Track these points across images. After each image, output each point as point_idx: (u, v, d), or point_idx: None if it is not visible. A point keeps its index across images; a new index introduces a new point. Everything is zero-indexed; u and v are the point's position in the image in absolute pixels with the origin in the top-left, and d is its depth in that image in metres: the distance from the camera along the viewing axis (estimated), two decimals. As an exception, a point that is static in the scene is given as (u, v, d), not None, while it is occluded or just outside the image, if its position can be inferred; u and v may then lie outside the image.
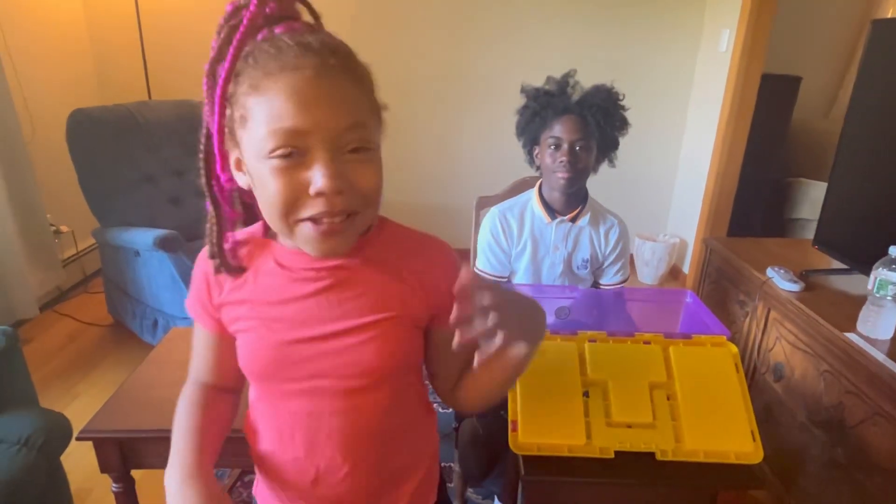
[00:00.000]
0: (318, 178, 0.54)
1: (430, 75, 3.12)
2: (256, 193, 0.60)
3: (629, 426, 0.93)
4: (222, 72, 0.57)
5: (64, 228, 2.81)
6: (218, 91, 0.57)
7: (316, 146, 0.54)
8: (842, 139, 1.67)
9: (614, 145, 1.37)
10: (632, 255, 1.49)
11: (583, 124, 1.32)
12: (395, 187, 3.48)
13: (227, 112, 0.58)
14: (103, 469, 1.01)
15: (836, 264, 1.70)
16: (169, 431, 0.99)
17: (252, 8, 0.56)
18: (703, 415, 0.94)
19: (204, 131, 0.62)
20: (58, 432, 1.34)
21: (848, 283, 1.63)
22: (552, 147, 1.34)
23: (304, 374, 0.65)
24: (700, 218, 3.07)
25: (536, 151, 1.40)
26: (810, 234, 2.89)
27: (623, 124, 1.36)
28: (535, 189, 1.45)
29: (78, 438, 0.97)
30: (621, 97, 1.35)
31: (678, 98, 3.22)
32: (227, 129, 0.59)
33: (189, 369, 0.77)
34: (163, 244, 2.09)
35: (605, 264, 1.45)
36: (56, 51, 2.86)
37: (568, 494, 0.97)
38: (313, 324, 0.64)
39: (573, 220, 1.41)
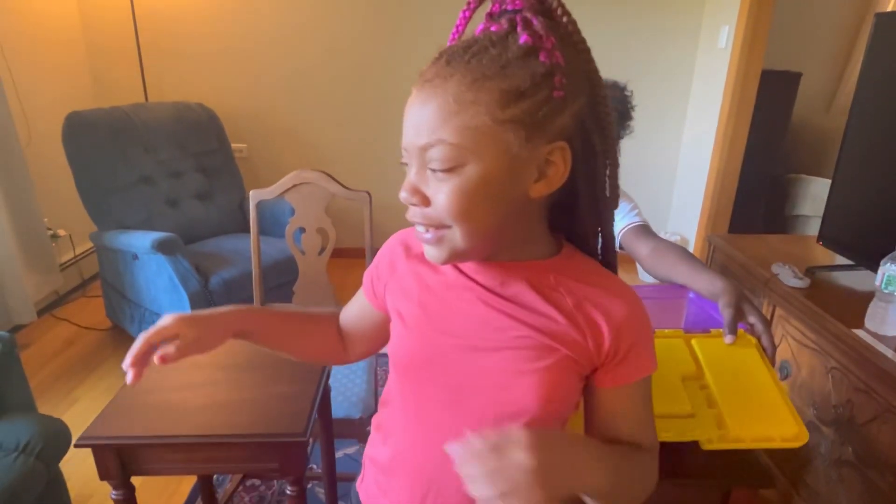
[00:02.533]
0: (404, 185, 0.56)
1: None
2: None
3: (669, 417, 0.91)
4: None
5: (61, 232, 2.79)
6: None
7: (409, 160, 0.56)
8: (846, 134, 1.65)
9: (616, 137, 1.36)
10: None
11: None
12: (395, 189, 3.47)
13: None
14: (102, 476, 0.99)
15: (841, 260, 1.69)
16: (169, 437, 0.98)
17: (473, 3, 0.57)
18: (740, 402, 0.91)
19: None
20: (56, 438, 1.33)
21: (854, 280, 1.61)
22: None
23: (452, 381, 0.62)
24: (701, 215, 3.06)
25: None
26: (811, 230, 2.89)
27: (627, 116, 1.34)
28: None
29: (76, 445, 0.95)
30: (629, 93, 1.33)
31: (678, 95, 3.21)
32: None
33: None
34: (161, 247, 2.07)
35: (616, 216, 1.39)
36: (52, 54, 2.84)
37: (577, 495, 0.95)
38: (468, 335, 0.61)
39: None
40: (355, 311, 0.77)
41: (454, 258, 0.58)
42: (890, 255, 1.30)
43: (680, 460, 0.94)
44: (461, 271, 0.63)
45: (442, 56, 0.54)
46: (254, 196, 1.61)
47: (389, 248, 0.71)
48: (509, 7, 0.54)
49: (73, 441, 1.37)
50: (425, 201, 0.55)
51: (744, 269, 1.82)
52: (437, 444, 0.58)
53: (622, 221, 1.37)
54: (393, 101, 3.17)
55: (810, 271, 1.64)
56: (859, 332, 1.31)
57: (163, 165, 2.49)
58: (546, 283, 0.60)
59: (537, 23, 0.53)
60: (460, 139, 0.52)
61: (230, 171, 2.78)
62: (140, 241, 2.12)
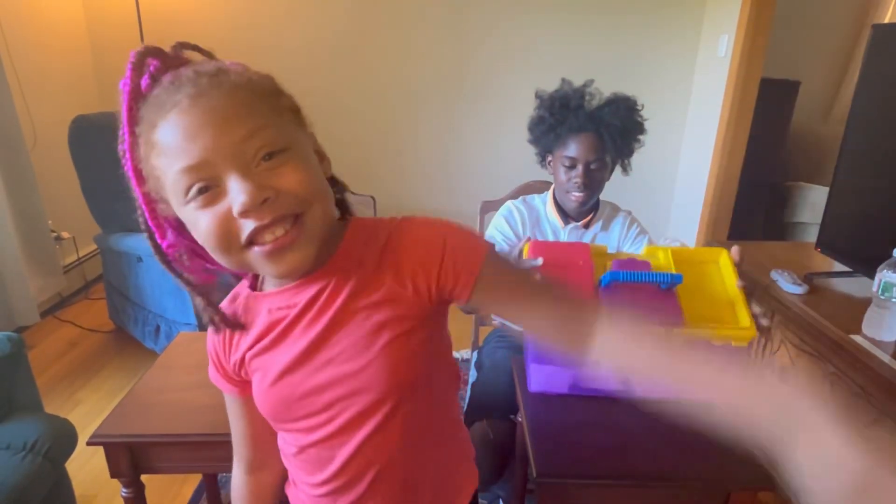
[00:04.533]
0: (236, 197, 0.51)
1: (433, 79, 3.13)
2: (199, 242, 0.56)
3: None
4: (125, 147, 0.55)
5: (65, 234, 2.80)
6: (128, 166, 0.56)
7: (223, 170, 0.51)
8: (844, 142, 1.68)
9: (629, 154, 1.37)
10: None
11: (599, 142, 1.29)
12: (398, 192, 3.50)
13: (148, 181, 0.56)
14: (113, 474, 1.01)
15: (839, 267, 1.71)
16: (179, 436, 0.99)
17: (127, 79, 0.54)
18: (700, 302, 0.99)
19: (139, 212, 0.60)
20: (63, 438, 1.34)
21: (852, 286, 1.63)
22: (566, 165, 1.33)
23: (314, 408, 0.63)
24: (700, 222, 3.08)
25: (550, 159, 1.40)
26: (810, 237, 2.92)
27: (640, 133, 1.36)
28: (550, 195, 1.44)
29: (88, 443, 0.97)
30: (640, 107, 1.34)
31: (678, 103, 3.24)
32: (156, 198, 0.57)
33: (234, 449, 0.77)
34: (166, 249, 2.08)
35: (632, 251, 1.42)
36: (57, 58, 2.87)
37: (581, 496, 0.97)
38: (309, 355, 0.61)
39: (586, 226, 1.41)
40: (242, 424, 0.74)
41: (309, 254, 0.56)
42: (887, 262, 1.32)
43: (680, 463, 0.96)
44: (270, 310, 0.63)
45: (180, 84, 0.52)
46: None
47: (211, 342, 0.69)
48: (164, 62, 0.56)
49: (80, 441, 1.39)
50: (274, 190, 0.52)
51: (743, 275, 1.84)
52: (331, 460, 0.65)
53: (636, 252, 1.38)
54: (396, 107, 3.20)
55: (809, 278, 1.66)
56: (857, 338, 1.33)
57: (167, 169, 2.51)
58: (354, 268, 0.60)
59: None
60: (274, 122, 0.54)
61: (234, 175, 2.80)
62: (144, 243, 2.11)
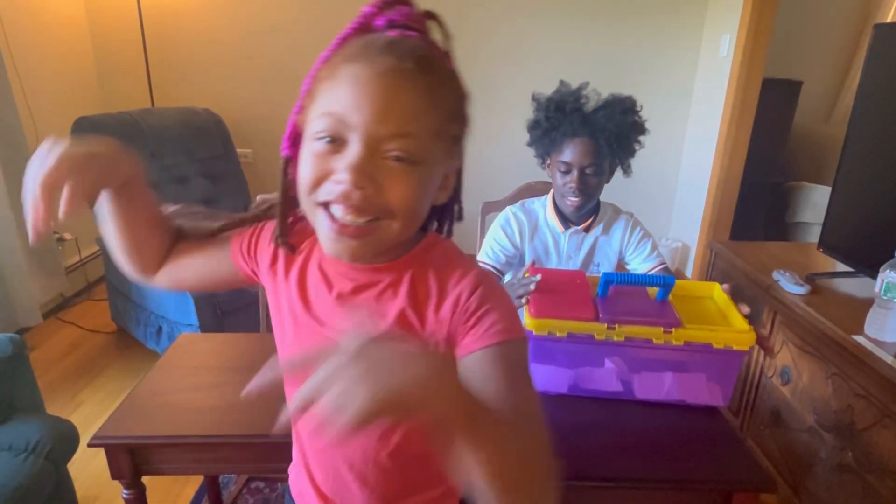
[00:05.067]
0: (342, 166, 0.52)
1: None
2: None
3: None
4: (324, 53, 0.57)
5: (67, 236, 2.81)
6: (316, 65, 0.58)
7: (354, 140, 0.53)
8: (846, 142, 1.68)
9: (629, 156, 1.36)
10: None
11: (594, 147, 1.28)
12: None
13: (309, 91, 0.58)
14: (114, 476, 1.01)
15: (842, 267, 1.70)
16: (180, 437, 0.99)
17: (371, 9, 0.56)
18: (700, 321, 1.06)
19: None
20: (65, 439, 1.34)
21: (854, 286, 1.63)
22: (562, 171, 1.32)
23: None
24: (702, 222, 3.07)
25: (548, 162, 1.39)
26: (812, 237, 2.91)
27: (640, 133, 1.34)
28: (549, 197, 1.43)
29: (89, 445, 0.97)
30: (638, 108, 1.32)
31: (679, 103, 3.24)
32: (305, 108, 0.59)
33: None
34: (167, 251, 2.08)
35: (635, 258, 1.41)
36: (60, 59, 2.87)
37: (581, 498, 0.96)
38: (332, 328, 0.64)
39: (587, 229, 1.40)
40: (198, 247, 0.75)
41: (371, 253, 0.58)
42: (889, 263, 1.31)
43: (681, 465, 0.96)
44: (321, 268, 0.66)
45: (390, 48, 0.53)
46: (260, 201, 1.63)
47: (262, 229, 0.71)
48: (402, 20, 0.57)
49: (81, 442, 1.40)
50: (377, 188, 0.53)
51: (745, 275, 1.84)
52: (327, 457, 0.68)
53: (646, 264, 1.38)
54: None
55: (811, 278, 1.66)
56: (859, 339, 1.33)
57: (169, 170, 2.51)
58: (409, 278, 0.63)
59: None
60: (426, 137, 0.54)
61: (235, 177, 2.80)
62: (146, 244, 2.14)
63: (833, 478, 1.39)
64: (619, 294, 1.11)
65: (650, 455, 0.97)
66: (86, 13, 3.04)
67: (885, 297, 1.31)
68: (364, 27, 0.57)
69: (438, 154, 0.57)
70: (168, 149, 2.52)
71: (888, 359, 1.24)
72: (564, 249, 1.41)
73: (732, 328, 1.04)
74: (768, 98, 2.81)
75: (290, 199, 0.64)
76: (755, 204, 3.12)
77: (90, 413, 2.03)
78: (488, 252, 1.42)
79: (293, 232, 0.68)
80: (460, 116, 0.59)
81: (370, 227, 0.55)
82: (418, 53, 0.54)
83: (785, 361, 1.61)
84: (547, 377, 1.08)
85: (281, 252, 0.69)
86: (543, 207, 1.43)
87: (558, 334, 1.02)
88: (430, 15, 0.59)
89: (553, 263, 1.42)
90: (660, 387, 1.07)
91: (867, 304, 1.38)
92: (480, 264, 1.37)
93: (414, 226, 0.59)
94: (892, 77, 1.55)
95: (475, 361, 0.59)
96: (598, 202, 1.42)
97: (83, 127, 2.28)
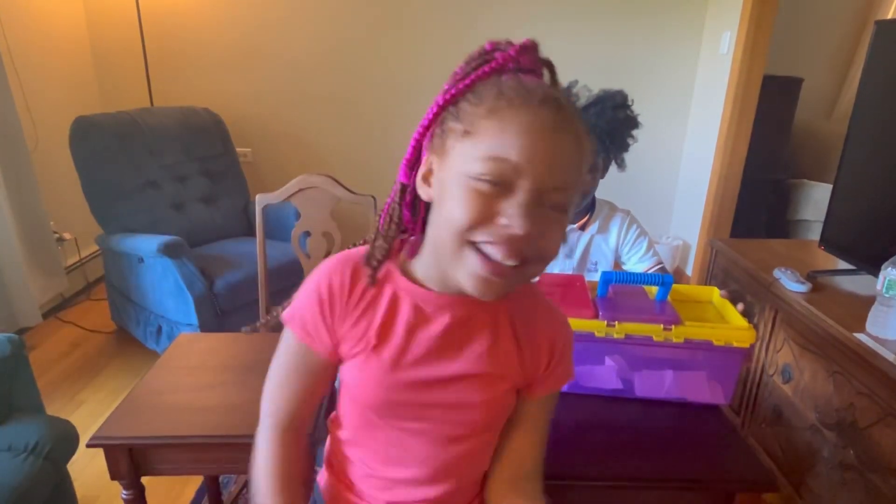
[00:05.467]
0: (514, 213, 0.54)
1: (436, 80, 3.12)
2: (438, 207, 0.60)
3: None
4: (461, 85, 0.59)
5: (67, 235, 2.80)
6: (447, 96, 0.60)
7: (523, 188, 0.55)
8: (847, 139, 1.67)
9: (624, 150, 1.35)
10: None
11: None
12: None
13: (446, 121, 0.59)
14: (113, 476, 1.00)
15: (843, 265, 1.70)
16: (180, 437, 0.99)
17: (511, 52, 0.59)
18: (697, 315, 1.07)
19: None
20: (64, 439, 1.34)
21: (855, 284, 1.63)
22: None
23: (411, 414, 0.68)
24: (703, 220, 3.07)
25: None
26: (813, 235, 2.90)
27: (633, 128, 1.33)
28: None
29: (88, 445, 0.96)
30: (630, 103, 1.31)
31: (680, 100, 3.23)
32: (436, 138, 0.60)
33: (266, 405, 0.74)
34: (167, 250, 2.08)
35: (632, 257, 1.42)
36: (59, 59, 2.87)
37: (582, 497, 0.96)
38: (429, 363, 0.66)
39: (582, 227, 1.40)
40: (302, 384, 0.72)
41: (504, 294, 0.60)
42: (891, 260, 1.31)
43: (684, 464, 0.96)
44: (409, 294, 0.66)
45: (549, 100, 0.56)
46: (260, 200, 1.63)
47: (327, 285, 0.66)
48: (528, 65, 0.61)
49: (81, 442, 1.39)
50: (538, 235, 0.56)
51: (746, 273, 1.83)
52: (404, 461, 0.70)
53: (642, 264, 1.38)
54: (396, 107, 3.19)
55: (812, 276, 1.65)
56: (861, 336, 1.32)
57: (168, 170, 2.51)
58: (503, 313, 0.68)
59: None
60: (575, 188, 0.58)
61: (235, 176, 2.80)
62: (146, 244, 2.14)
63: (835, 476, 1.38)
64: (619, 294, 1.11)
65: (652, 454, 0.97)
66: (84, 13, 3.03)
67: (886, 295, 1.31)
68: (501, 69, 0.59)
69: (576, 200, 0.61)
70: (167, 148, 2.52)
71: (890, 357, 1.23)
72: (561, 248, 1.40)
73: (732, 325, 1.04)
74: (769, 95, 2.80)
75: (399, 225, 0.66)
76: (756, 201, 3.11)
77: (90, 413, 2.03)
78: None
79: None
80: (587, 161, 0.62)
81: (519, 270, 0.58)
82: (567, 105, 0.58)
83: (786, 359, 1.60)
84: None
85: (353, 291, 0.67)
86: None
87: None
88: (548, 64, 0.63)
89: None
90: (660, 385, 1.07)
91: (869, 301, 1.38)
92: None
93: (543, 270, 0.63)
94: (893, 73, 1.54)
95: (537, 404, 0.74)
96: (594, 200, 1.41)
97: (82, 126, 2.27)
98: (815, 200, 3.00)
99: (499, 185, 0.55)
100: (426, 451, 0.70)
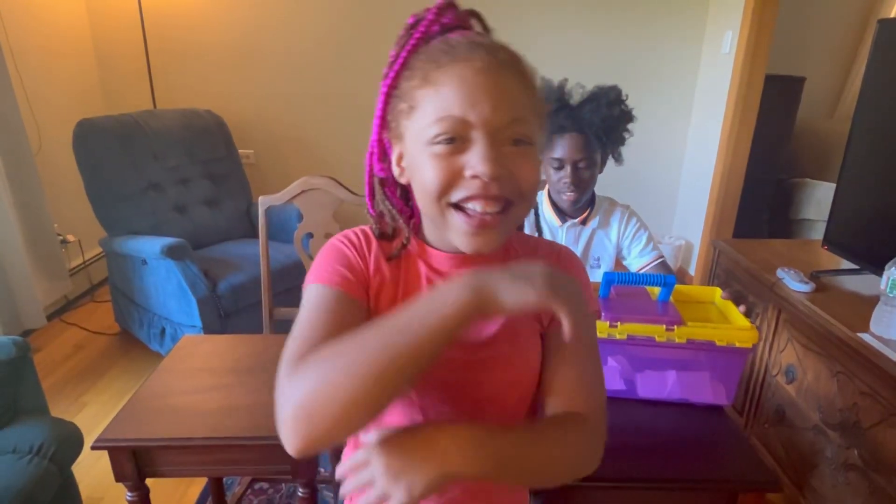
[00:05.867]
0: (476, 161, 0.55)
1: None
2: (414, 183, 0.62)
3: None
4: (395, 67, 0.60)
5: (71, 238, 2.81)
6: (387, 82, 0.61)
7: (478, 135, 0.56)
8: (850, 138, 1.67)
9: (620, 144, 1.37)
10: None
11: (584, 141, 1.30)
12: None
13: (394, 105, 0.61)
14: (118, 478, 1.01)
15: (846, 264, 1.69)
16: (183, 439, 0.99)
17: (430, 17, 0.60)
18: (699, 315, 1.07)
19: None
20: (69, 441, 1.34)
21: (859, 284, 1.62)
22: (554, 167, 1.33)
23: (452, 379, 0.65)
24: (705, 220, 3.06)
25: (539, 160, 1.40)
26: (816, 234, 2.89)
27: (628, 122, 1.35)
28: (545, 194, 1.45)
29: (93, 447, 0.97)
30: (625, 98, 1.33)
31: (681, 100, 3.23)
32: (391, 123, 0.62)
33: (285, 352, 0.57)
34: (170, 252, 2.09)
35: (632, 250, 1.43)
36: (62, 62, 2.88)
37: (586, 498, 0.96)
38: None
39: (583, 222, 1.41)
40: (332, 327, 0.58)
41: (503, 241, 0.61)
42: (895, 259, 1.30)
43: (687, 465, 0.96)
44: (432, 268, 0.66)
45: (477, 46, 0.57)
46: (263, 202, 1.63)
47: (354, 245, 0.66)
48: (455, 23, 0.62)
49: (86, 444, 1.40)
50: (508, 174, 0.57)
51: (749, 273, 1.83)
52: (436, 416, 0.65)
53: (643, 258, 1.39)
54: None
55: (815, 275, 1.65)
56: (864, 336, 1.32)
57: (171, 172, 2.51)
58: (509, 260, 0.66)
59: None
60: (532, 117, 0.59)
61: (237, 178, 2.81)
62: (149, 246, 2.14)
63: (839, 477, 1.38)
64: (621, 294, 1.11)
65: (654, 455, 0.97)
66: (87, 16, 3.04)
67: (890, 295, 1.31)
68: (426, 36, 0.60)
69: (538, 131, 0.61)
70: (170, 150, 2.53)
71: (894, 357, 1.23)
72: (563, 243, 1.41)
73: (735, 325, 1.04)
74: (771, 95, 2.80)
75: (407, 211, 0.68)
76: (758, 201, 3.10)
77: (94, 415, 2.03)
78: None
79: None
80: (540, 91, 0.63)
81: (504, 215, 0.58)
82: (500, 45, 0.59)
83: (789, 359, 1.60)
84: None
85: (369, 260, 0.66)
86: (540, 203, 1.45)
87: None
88: (474, 13, 0.64)
89: None
90: (663, 385, 1.07)
91: (872, 301, 1.37)
92: None
93: (532, 206, 0.63)
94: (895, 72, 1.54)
95: (559, 335, 0.64)
96: (594, 195, 1.42)
97: (85, 129, 2.28)
98: (818, 200, 2.99)
99: (455, 142, 0.56)
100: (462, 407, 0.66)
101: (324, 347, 0.52)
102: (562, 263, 0.71)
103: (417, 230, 0.69)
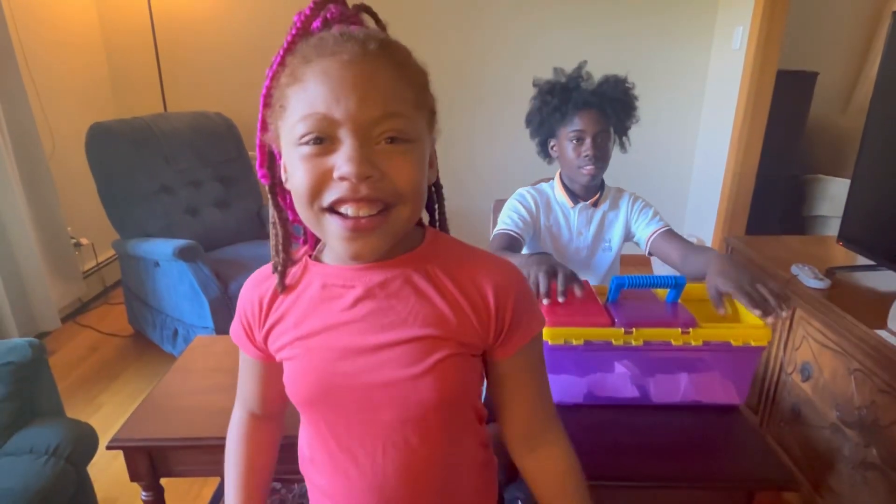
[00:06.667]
0: (341, 161, 0.52)
1: (441, 78, 3.09)
2: (289, 186, 0.59)
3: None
4: (273, 65, 0.58)
5: (84, 241, 2.84)
6: (266, 82, 0.58)
7: (345, 133, 0.52)
8: (865, 132, 1.64)
9: (625, 131, 1.40)
10: (650, 258, 1.51)
11: (603, 116, 1.34)
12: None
13: (269, 106, 0.58)
14: (133, 478, 1.01)
15: (862, 260, 1.67)
16: (197, 439, 1.00)
17: (307, 11, 0.57)
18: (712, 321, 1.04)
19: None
20: (85, 442, 1.35)
21: (875, 280, 1.60)
22: (574, 140, 1.35)
23: (358, 399, 0.62)
24: (717, 217, 3.04)
25: (553, 144, 1.42)
26: (830, 231, 2.86)
27: (635, 110, 1.39)
28: (557, 178, 1.47)
29: (108, 447, 0.98)
30: (632, 85, 1.38)
31: (692, 96, 3.20)
32: (270, 125, 0.59)
33: (237, 395, 0.78)
34: (182, 254, 2.10)
35: (640, 222, 1.44)
36: (73, 66, 2.91)
37: (601, 497, 0.95)
38: (355, 343, 0.61)
39: (595, 204, 1.43)
40: (253, 383, 0.74)
41: (387, 245, 0.57)
42: (912, 255, 1.28)
43: (703, 463, 0.95)
44: (324, 285, 0.62)
45: (347, 38, 0.53)
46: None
47: (248, 297, 0.68)
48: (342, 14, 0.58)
49: (101, 445, 1.41)
50: (381, 174, 0.53)
51: (762, 270, 1.81)
52: (365, 465, 0.63)
53: (648, 228, 1.40)
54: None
55: (831, 272, 1.63)
56: (882, 333, 1.30)
57: (182, 174, 2.53)
58: (423, 273, 0.61)
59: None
60: (411, 113, 0.55)
61: (248, 180, 2.82)
62: (162, 248, 2.16)
63: (857, 475, 1.36)
64: (629, 297, 1.09)
65: (670, 453, 0.96)
66: (98, 20, 3.07)
67: (908, 291, 1.29)
68: (303, 32, 0.57)
69: (424, 128, 0.57)
70: (181, 153, 2.54)
71: (913, 353, 1.21)
72: (575, 224, 1.45)
73: (747, 324, 1.03)
74: (783, 90, 2.77)
75: (289, 225, 0.65)
76: (771, 198, 3.07)
77: (109, 415, 2.05)
78: (506, 221, 1.42)
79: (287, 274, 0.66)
80: (427, 85, 0.59)
81: (383, 217, 0.54)
82: (375, 36, 0.54)
83: (805, 357, 1.58)
84: (562, 387, 1.06)
85: (264, 303, 0.66)
86: (552, 188, 1.48)
87: (574, 342, 0.99)
88: (364, 7, 0.60)
89: (565, 239, 1.45)
90: (676, 389, 1.05)
91: (890, 297, 1.35)
92: (500, 232, 1.38)
93: (420, 207, 0.59)
94: (911, 65, 1.51)
95: (512, 364, 0.65)
96: (602, 181, 1.44)
97: (97, 133, 2.30)
98: (832, 196, 2.95)
99: (323, 142, 0.52)
100: (379, 451, 0.62)
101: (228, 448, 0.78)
102: (492, 282, 0.61)
103: (316, 250, 0.67)
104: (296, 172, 0.55)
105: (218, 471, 1.29)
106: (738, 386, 1.05)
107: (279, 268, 0.64)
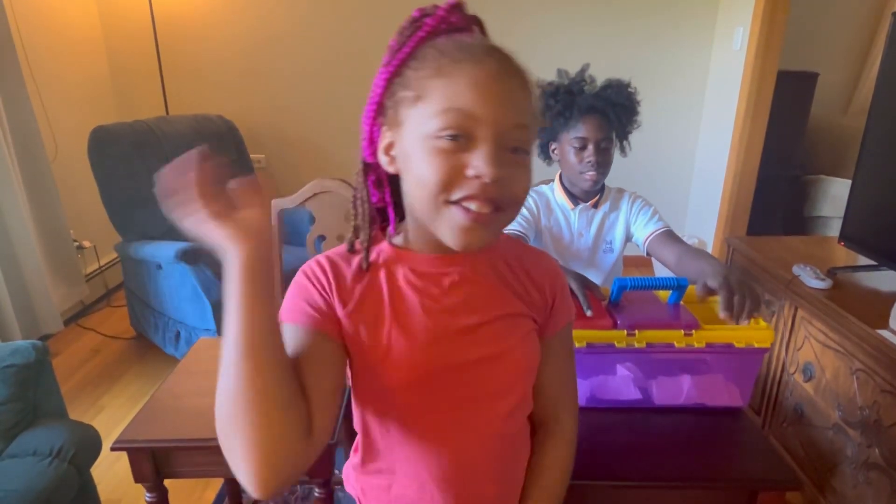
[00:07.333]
0: (480, 162, 0.56)
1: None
2: (406, 176, 0.61)
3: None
4: (400, 55, 0.60)
5: (86, 243, 2.85)
6: (389, 69, 0.61)
7: (483, 135, 0.56)
8: (866, 133, 1.64)
9: (626, 136, 1.40)
10: (651, 259, 1.51)
11: (605, 122, 1.34)
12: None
13: (394, 92, 0.60)
14: (137, 479, 1.02)
15: (864, 261, 1.67)
16: (201, 440, 1.00)
17: (441, 13, 0.60)
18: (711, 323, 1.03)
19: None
20: (88, 444, 1.36)
21: (877, 280, 1.60)
22: (577, 146, 1.35)
23: (451, 376, 0.65)
24: (719, 217, 3.04)
25: (554, 147, 1.42)
26: (831, 231, 2.86)
27: (637, 114, 1.39)
28: (556, 180, 1.47)
29: (112, 448, 0.98)
30: (634, 90, 1.38)
31: (693, 97, 3.20)
32: (389, 110, 0.61)
33: None
34: (185, 257, 2.11)
35: (638, 221, 1.44)
36: (75, 69, 2.92)
37: (604, 497, 0.95)
38: (456, 324, 0.65)
39: (595, 206, 1.44)
40: (320, 372, 0.60)
41: (491, 240, 0.61)
42: (914, 255, 1.29)
43: (706, 463, 0.95)
44: (416, 272, 0.66)
45: (491, 50, 0.59)
46: (275, 205, 1.64)
47: (329, 272, 0.65)
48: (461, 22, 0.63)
49: (104, 447, 1.41)
50: (507, 179, 0.57)
51: (764, 271, 1.81)
52: (454, 447, 0.67)
53: (647, 228, 1.40)
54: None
55: (832, 272, 1.63)
56: (884, 333, 1.30)
57: (184, 177, 2.53)
58: (500, 261, 0.71)
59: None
60: (531, 127, 0.61)
61: (249, 181, 2.82)
62: (164, 251, 2.17)
63: (860, 476, 1.36)
64: (630, 299, 1.09)
65: (673, 454, 0.96)
66: (100, 23, 3.08)
67: (910, 291, 1.29)
68: (435, 31, 0.61)
69: (532, 145, 0.62)
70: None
71: (915, 353, 1.21)
72: (575, 226, 1.45)
73: (750, 325, 1.02)
74: (784, 91, 2.77)
75: (374, 205, 0.68)
76: (772, 198, 3.07)
77: (112, 417, 2.06)
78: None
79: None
80: (534, 103, 0.64)
81: (496, 216, 0.59)
82: (509, 55, 0.60)
83: (807, 358, 1.58)
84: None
85: (348, 280, 0.65)
86: (552, 189, 1.48)
87: (577, 345, 0.99)
88: (476, 20, 0.65)
89: (566, 241, 1.45)
90: (678, 391, 1.05)
91: (891, 297, 1.36)
92: (506, 232, 1.38)
93: (514, 217, 0.64)
94: (912, 66, 1.52)
95: (552, 343, 0.74)
96: (603, 185, 1.44)
97: (99, 136, 2.31)
98: (833, 196, 2.95)
99: (460, 139, 0.56)
100: (472, 436, 0.67)
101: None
102: (543, 269, 0.73)
103: (387, 238, 0.69)
104: (423, 164, 0.57)
105: (222, 472, 1.29)
106: (741, 388, 1.05)
107: (365, 244, 0.66)
